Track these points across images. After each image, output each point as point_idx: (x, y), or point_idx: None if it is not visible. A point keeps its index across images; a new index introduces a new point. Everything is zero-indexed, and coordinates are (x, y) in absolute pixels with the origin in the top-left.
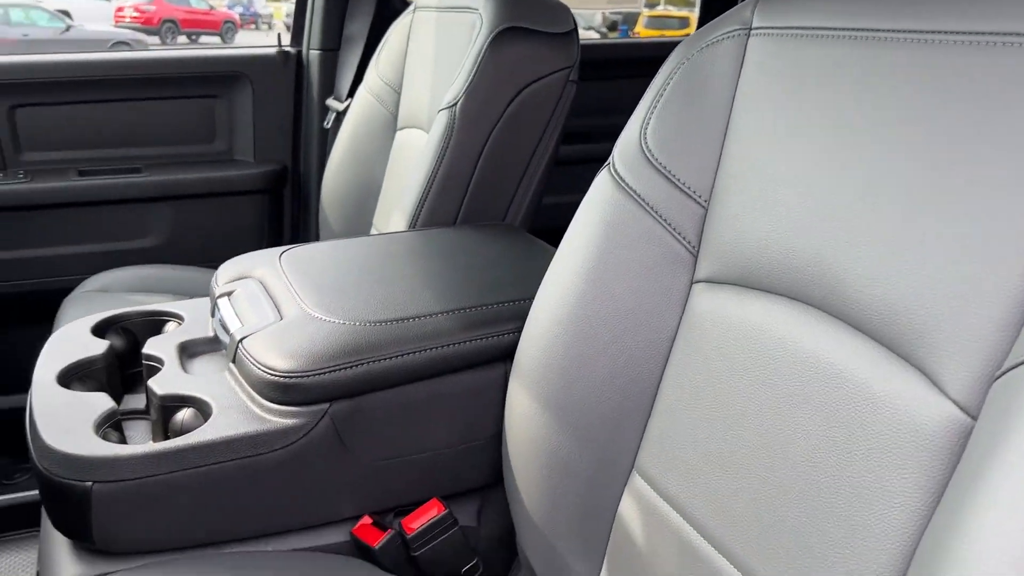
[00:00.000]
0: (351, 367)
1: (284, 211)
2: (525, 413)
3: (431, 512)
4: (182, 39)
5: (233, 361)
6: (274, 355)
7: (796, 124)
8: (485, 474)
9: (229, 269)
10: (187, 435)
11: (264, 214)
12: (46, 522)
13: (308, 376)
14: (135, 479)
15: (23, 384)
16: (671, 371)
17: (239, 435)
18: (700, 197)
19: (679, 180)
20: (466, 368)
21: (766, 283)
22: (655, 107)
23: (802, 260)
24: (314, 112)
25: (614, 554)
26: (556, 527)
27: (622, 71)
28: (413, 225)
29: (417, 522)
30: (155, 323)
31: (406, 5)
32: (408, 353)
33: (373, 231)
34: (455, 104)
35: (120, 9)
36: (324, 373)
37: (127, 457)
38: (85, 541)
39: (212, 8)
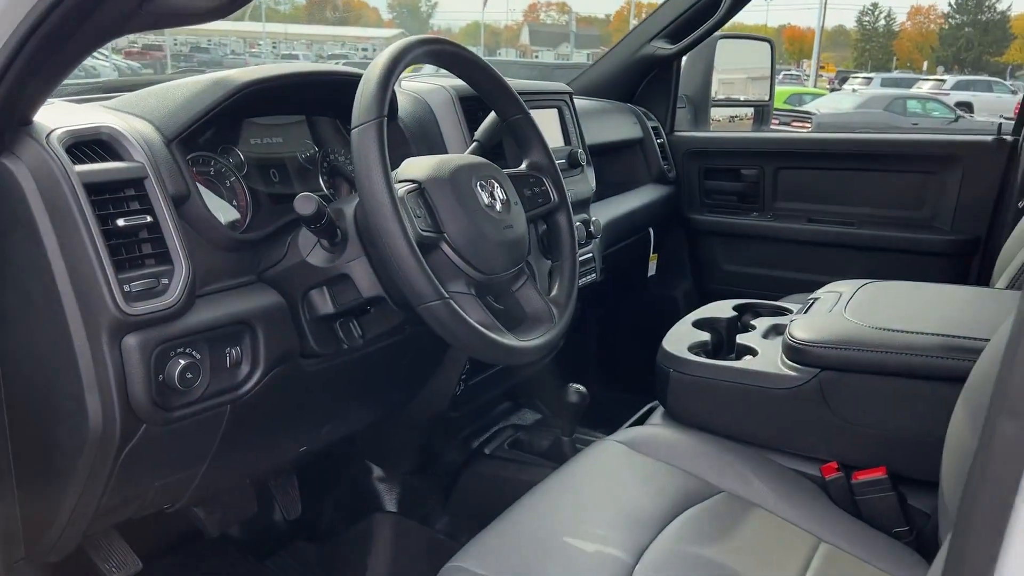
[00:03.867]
0: (839, 350)
1: (968, 277)
2: (957, 421)
3: (875, 474)
4: None
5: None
6: (799, 329)
7: None
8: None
9: (832, 285)
10: (732, 361)
11: (947, 277)
12: None
13: (807, 346)
14: (691, 375)
15: None
16: None
17: (755, 370)
18: None
19: None
20: (932, 379)
21: None
22: None
23: None
24: (1014, 193)
25: None
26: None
27: None
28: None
29: (862, 476)
30: (780, 311)
31: None
32: (885, 352)
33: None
34: None
35: None
36: (818, 347)
37: (693, 361)
38: (664, 406)
39: None
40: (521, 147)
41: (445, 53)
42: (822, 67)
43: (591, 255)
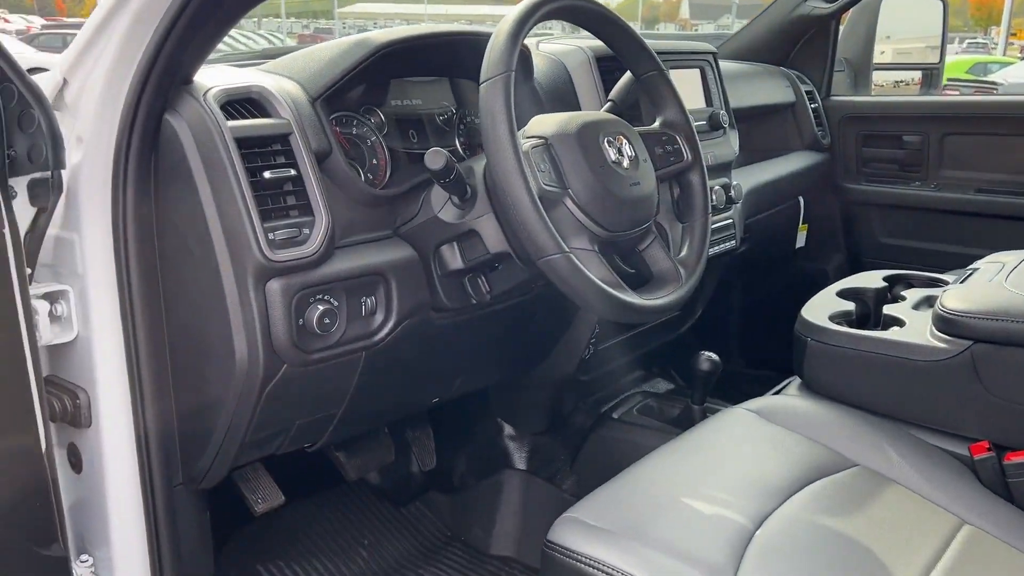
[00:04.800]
0: (995, 321)
1: None
2: None
3: None
4: None
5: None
6: (951, 299)
7: None
8: None
9: (996, 255)
10: (869, 331)
11: None
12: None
13: (959, 317)
14: (830, 345)
15: None
16: None
17: (900, 341)
18: None
19: None
20: None
21: None
22: None
23: None
24: None
25: None
26: None
27: None
28: None
29: (1017, 457)
30: (935, 283)
31: None
32: None
33: None
34: None
35: None
36: (971, 318)
37: (833, 330)
38: (800, 376)
39: None
40: (655, 104)
41: (576, 8)
42: (1013, 34)
43: (731, 221)
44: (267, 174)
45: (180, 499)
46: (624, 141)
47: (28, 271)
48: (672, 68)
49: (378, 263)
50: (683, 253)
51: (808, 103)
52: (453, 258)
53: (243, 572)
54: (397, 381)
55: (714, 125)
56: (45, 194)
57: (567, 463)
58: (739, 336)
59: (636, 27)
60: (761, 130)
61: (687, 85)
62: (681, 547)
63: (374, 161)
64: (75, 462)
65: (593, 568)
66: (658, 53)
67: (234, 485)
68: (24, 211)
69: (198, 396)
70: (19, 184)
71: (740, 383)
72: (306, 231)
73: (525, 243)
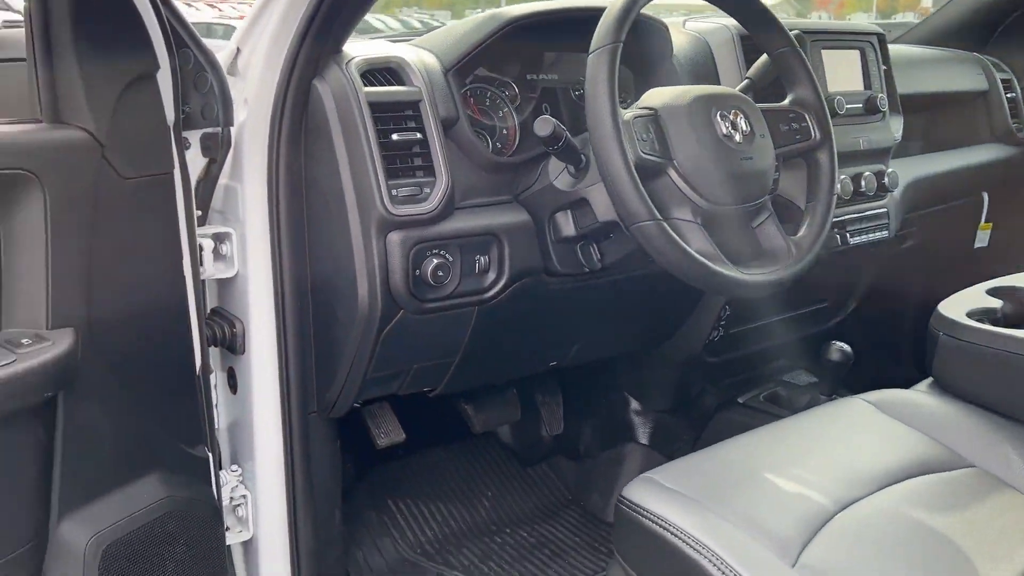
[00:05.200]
0: None
1: None
2: None
3: None
4: None
5: None
6: None
7: None
8: None
9: None
10: (1005, 329)
11: None
12: None
13: None
14: (963, 342)
15: None
16: None
17: None
18: None
19: None
20: None
21: None
22: None
23: None
24: None
25: None
26: None
27: None
28: None
29: None
30: None
31: None
32: None
33: None
34: None
35: None
36: None
37: (968, 327)
38: (930, 372)
39: None
40: (787, 82)
41: None
42: None
43: (884, 210)
44: (395, 136)
45: (314, 425)
46: (739, 116)
47: (199, 213)
48: (827, 49)
49: (493, 224)
50: (801, 232)
51: (1003, 92)
52: (567, 225)
53: (375, 502)
54: (511, 339)
55: (871, 109)
56: (215, 147)
57: (689, 443)
58: (903, 337)
59: (870, 17)
60: (945, 119)
61: (843, 66)
62: (751, 518)
63: (504, 131)
64: (232, 384)
65: (659, 527)
66: (812, 33)
67: (362, 418)
68: (196, 160)
69: (328, 334)
70: (193, 137)
71: (888, 384)
72: (427, 190)
73: (619, 209)
